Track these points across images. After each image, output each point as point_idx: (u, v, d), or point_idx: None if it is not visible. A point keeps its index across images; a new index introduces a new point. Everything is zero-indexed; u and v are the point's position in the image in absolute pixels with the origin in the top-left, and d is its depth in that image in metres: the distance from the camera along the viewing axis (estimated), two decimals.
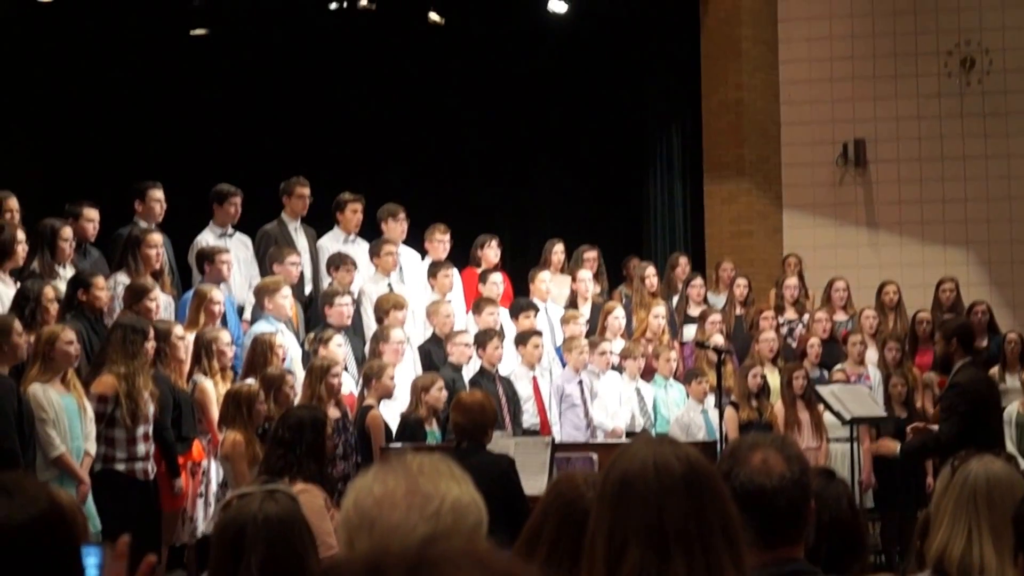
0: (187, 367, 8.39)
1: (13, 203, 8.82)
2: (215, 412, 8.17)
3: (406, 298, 9.97)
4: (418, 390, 8.88)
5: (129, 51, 12.70)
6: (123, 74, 12.74)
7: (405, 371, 9.45)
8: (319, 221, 10.70)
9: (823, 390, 9.95)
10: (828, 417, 10.09)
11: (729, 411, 10.31)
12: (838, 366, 11.03)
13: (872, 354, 11.32)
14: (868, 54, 13.98)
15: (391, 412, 9.03)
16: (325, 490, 5.89)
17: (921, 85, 13.87)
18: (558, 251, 11.79)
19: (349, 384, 9.02)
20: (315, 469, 5.87)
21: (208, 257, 9.39)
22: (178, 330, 8.32)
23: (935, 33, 13.83)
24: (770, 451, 2.87)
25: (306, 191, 10.40)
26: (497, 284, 10.93)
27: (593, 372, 10.44)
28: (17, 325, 7.21)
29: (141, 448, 7.58)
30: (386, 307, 9.71)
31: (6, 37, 12.02)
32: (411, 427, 8.74)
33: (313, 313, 10.02)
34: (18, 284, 8.14)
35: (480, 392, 7.35)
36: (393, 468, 2.23)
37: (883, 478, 10.54)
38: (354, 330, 9.79)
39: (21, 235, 8.36)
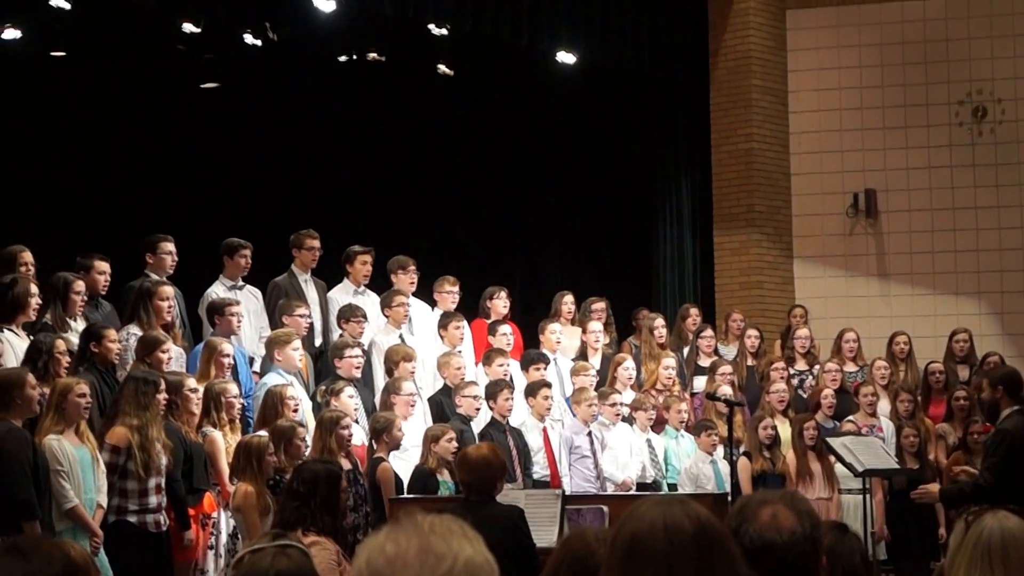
0: (198, 419, 8.42)
1: (27, 256, 8.86)
2: (224, 464, 8.22)
3: (416, 350, 9.99)
4: (428, 441, 8.91)
5: (140, 104, 12.82)
6: (134, 127, 12.86)
7: (416, 423, 9.46)
8: (329, 273, 10.73)
9: (835, 442, 9.93)
10: (840, 468, 10.08)
11: (742, 462, 10.34)
12: (849, 417, 11.03)
13: (884, 405, 11.33)
14: (878, 104, 14.01)
15: (404, 464, 9.06)
16: (339, 542, 5.90)
17: (932, 135, 13.88)
18: (568, 302, 11.81)
19: (360, 435, 9.05)
20: (329, 521, 5.90)
21: (218, 310, 9.43)
22: (190, 382, 8.36)
23: (946, 83, 13.86)
24: (779, 507, 2.86)
25: (316, 243, 10.45)
26: (507, 335, 10.94)
27: (603, 424, 10.44)
28: (31, 378, 7.24)
29: (153, 500, 7.62)
30: (396, 359, 9.74)
31: (19, 91, 12.15)
32: (423, 478, 8.76)
33: (323, 365, 10.03)
34: (31, 337, 8.17)
35: (487, 446, 7.31)
36: (405, 527, 2.21)
37: (896, 530, 10.52)
38: (364, 382, 9.81)
39: (35, 289, 8.40)
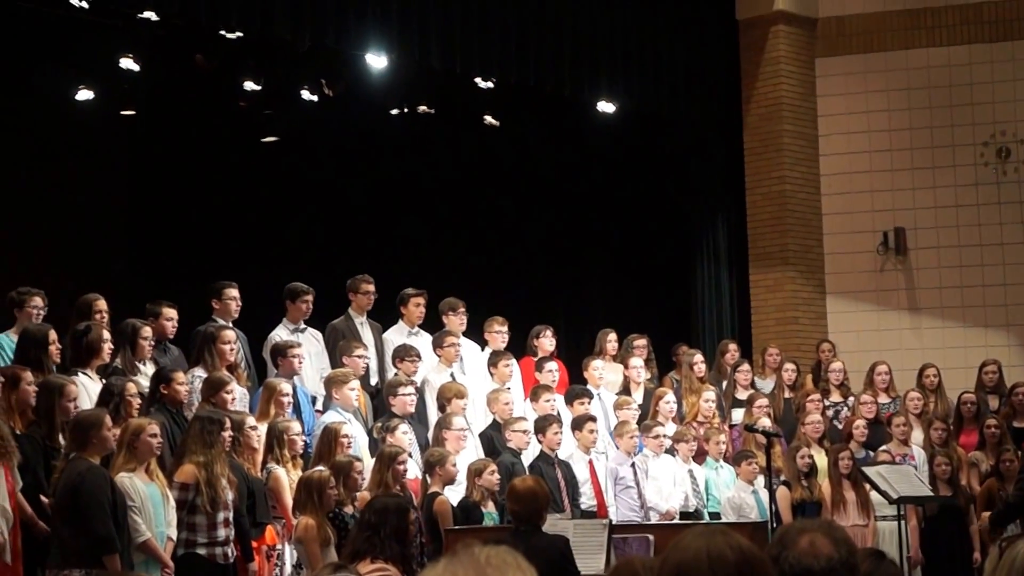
0: (260, 456, 8.68)
1: (102, 304, 9.16)
2: (288, 498, 8.45)
3: (467, 387, 10.20)
4: (472, 474, 9.15)
5: (205, 158, 13.09)
6: (200, 180, 13.12)
7: (468, 457, 9.65)
8: (383, 315, 10.94)
9: (869, 471, 10.12)
10: (875, 495, 10.26)
11: (782, 490, 10.53)
12: (883, 447, 11.16)
13: (917, 434, 11.45)
14: (906, 146, 14.11)
15: (455, 495, 9.26)
16: (406, 570, 6.29)
17: (958, 175, 13.99)
18: (612, 340, 12.01)
19: (414, 470, 9.27)
20: (397, 550, 6.23)
21: (281, 352, 9.68)
22: (250, 420, 8.59)
23: (971, 126, 13.96)
24: (817, 534, 2.90)
25: (371, 288, 10.67)
26: (553, 372, 11.10)
27: (646, 455, 10.60)
28: (108, 419, 7.49)
29: (221, 533, 7.80)
30: (448, 396, 9.94)
31: (93, 148, 12.59)
32: (468, 510, 8.99)
33: (380, 403, 10.21)
34: (102, 380, 8.50)
35: (532, 478, 7.55)
36: (462, 559, 2.24)
37: (931, 555, 10.70)
38: (418, 418, 10.02)
39: (107, 335, 8.73)
